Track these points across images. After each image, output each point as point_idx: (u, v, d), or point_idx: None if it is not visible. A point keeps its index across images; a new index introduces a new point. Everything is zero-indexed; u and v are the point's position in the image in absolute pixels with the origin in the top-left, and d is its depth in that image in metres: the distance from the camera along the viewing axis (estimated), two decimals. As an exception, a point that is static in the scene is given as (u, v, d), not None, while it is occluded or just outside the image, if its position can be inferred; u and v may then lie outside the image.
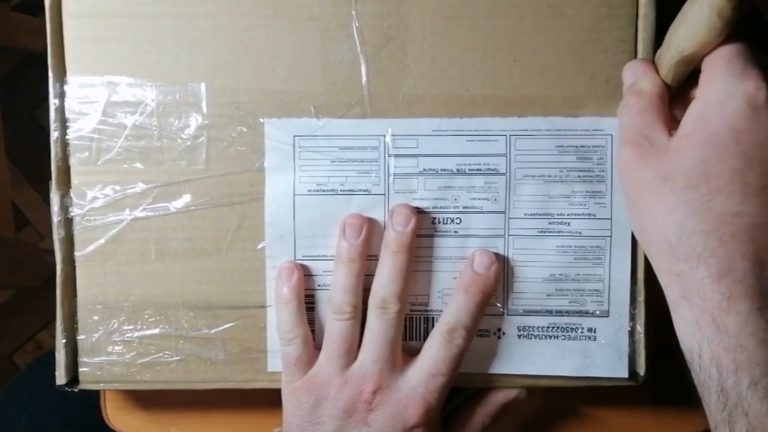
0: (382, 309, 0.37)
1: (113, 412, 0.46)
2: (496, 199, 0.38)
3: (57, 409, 0.56)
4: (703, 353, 0.30)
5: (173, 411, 0.46)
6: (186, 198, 0.39)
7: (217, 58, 0.38)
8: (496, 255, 0.38)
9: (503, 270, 0.39)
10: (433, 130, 0.38)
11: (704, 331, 0.30)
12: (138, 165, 0.39)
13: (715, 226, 0.30)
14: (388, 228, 0.38)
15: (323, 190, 0.39)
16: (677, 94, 0.35)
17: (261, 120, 0.39)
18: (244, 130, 0.39)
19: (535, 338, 0.39)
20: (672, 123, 0.33)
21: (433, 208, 0.39)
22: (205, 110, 0.38)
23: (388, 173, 0.39)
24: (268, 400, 0.42)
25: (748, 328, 0.29)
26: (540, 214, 0.39)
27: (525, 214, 0.39)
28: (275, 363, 0.40)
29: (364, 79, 0.38)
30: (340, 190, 0.39)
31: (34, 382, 0.59)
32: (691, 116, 0.32)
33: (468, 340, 0.37)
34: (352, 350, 0.38)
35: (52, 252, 0.39)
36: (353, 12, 0.38)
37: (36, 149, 1.16)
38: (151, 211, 0.39)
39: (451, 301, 0.38)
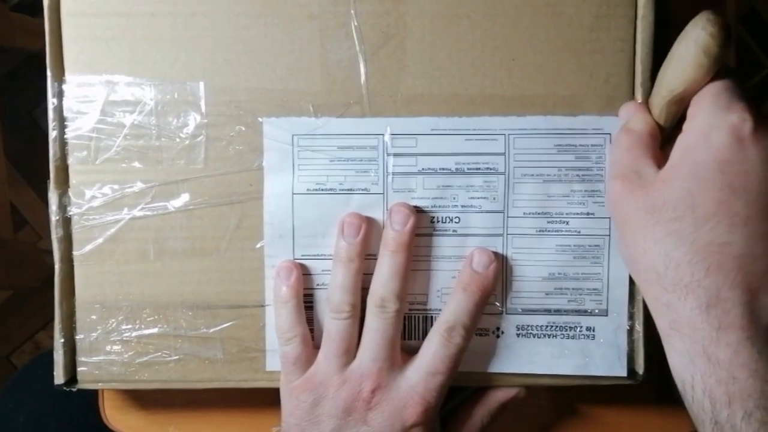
0: (380, 308, 0.37)
1: (111, 411, 0.46)
2: (495, 198, 0.38)
3: (55, 409, 0.56)
4: (695, 385, 0.30)
5: (172, 410, 0.46)
6: (185, 197, 0.39)
7: (215, 57, 0.38)
8: (495, 254, 0.38)
9: (502, 269, 0.39)
10: (432, 129, 0.38)
11: (696, 362, 0.30)
12: (136, 164, 0.39)
13: (702, 256, 0.30)
14: (387, 227, 0.38)
15: (322, 190, 0.39)
16: (670, 135, 0.35)
17: (260, 119, 0.38)
18: (243, 129, 0.39)
19: (534, 337, 0.39)
20: (662, 160, 0.34)
21: (432, 207, 0.39)
22: (203, 109, 0.38)
23: (387, 172, 0.39)
24: (267, 399, 0.42)
25: (739, 358, 0.29)
26: (539, 213, 0.39)
27: (524, 213, 0.39)
28: (274, 362, 0.40)
29: (363, 78, 0.38)
30: (339, 190, 0.39)
31: (32, 382, 0.59)
32: (677, 148, 0.33)
33: (467, 339, 0.37)
34: (351, 349, 0.38)
35: (50, 252, 0.39)
36: (352, 11, 0.38)
37: (34, 149, 1.15)
38: (149, 210, 0.39)
39: (450, 299, 0.38)
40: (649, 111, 0.36)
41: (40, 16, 0.38)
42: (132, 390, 0.45)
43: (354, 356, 0.38)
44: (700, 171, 0.31)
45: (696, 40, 0.31)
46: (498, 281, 0.39)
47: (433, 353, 0.37)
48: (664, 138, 0.35)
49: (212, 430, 0.46)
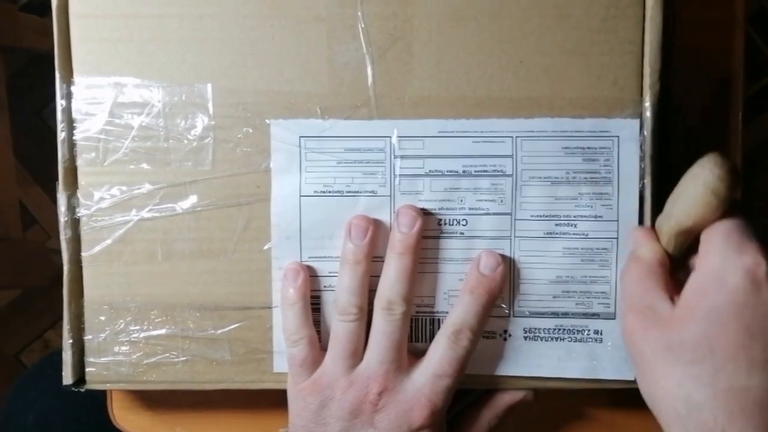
0: (387, 310, 0.37)
1: (119, 412, 0.46)
2: (502, 201, 0.38)
3: (64, 408, 0.56)
4: None
5: (179, 411, 0.46)
6: (192, 199, 0.39)
7: (223, 59, 0.38)
8: (503, 257, 0.38)
9: (509, 272, 0.39)
10: (439, 132, 0.38)
11: None
12: (145, 166, 0.39)
13: (723, 401, 0.30)
14: (394, 229, 0.38)
15: (329, 192, 0.39)
16: (679, 261, 0.36)
17: (267, 121, 0.39)
18: (251, 131, 0.39)
19: (542, 340, 0.39)
20: (674, 289, 0.34)
21: (439, 209, 0.39)
22: (211, 111, 0.39)
23: (394, 174, 0.38)
24: (274, 400, 0.42)
25: None
26: (546, 216, 0.38)
27: (531, 216, 0.38)
28: (281, 364, 0.40)
29: (370, 80, 0.38)
30: (346, 192, 0.39)
31: (42, 382, 0.59)
32: (691, 288, 0.33)
33: (474, 342, 0.37)
34: (358, 351, 0.38)
35: (59, 251, 0.40)
36: (359, 13, 0.38)
37: (43, 149, 1.16)
38: (157, 211, 0.39)
39: (457, 302, 0.38)
40: (657, 237, 0.36)
41: (49, 16, 0.39)
42: (140, 390, 0.45)
43: (361, 358, 0.38)
44: (717, 314, 0.31)
45: (705, 182, 0.32)
46: (505, 284, 0.39)
47: (440, 356, 0.37)
48: (673, 265, 0.35)
49: (219, 430, 0.46)
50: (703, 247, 0.33)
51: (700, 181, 0.32)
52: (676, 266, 0.35)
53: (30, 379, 0.61)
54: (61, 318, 0.40)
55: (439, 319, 0.39)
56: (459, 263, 0.39)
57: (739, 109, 0.44)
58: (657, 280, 0.34)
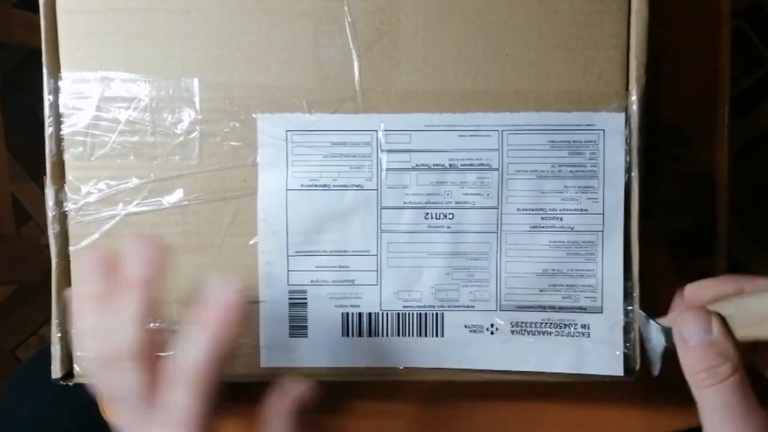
0: None
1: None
2: (488, 195, 0.38)
3: (59, 402, 0.56)
4: None
5: (168, 405, 0.46)
6: (179, 193, 0.39)
7: (210, 54, 0.38)
8: (490, 251, 0.38)
9: (497, 265, 0.39)
10: (426, 126, 0.38)
11: None
12: (132, 160, 0.39)
13: None
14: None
15: (316, 186, 0.39)
16: None
17: (254, 115, 0.39)
18: (237, 125, 0.39)
19: (529, 334, 0.39)
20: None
21: (426, 203, 0.39)
22: (198, 105, 0.39)
23: (381, 168, 0.39)
24: (263, 395, 0.42)
25: None
26: (532, 210, 0.39)
27: (517, 210, 0.39)
28: (269, 358, 0.40)
29: (356, 74, 0.38)
30: (333, 186, 0.39)
31: (37, 376, 0.59)
32: None
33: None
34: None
35: (51, 247, 0.40)
36: (345, 7, 0.38)
37: (37, 144, 1.15)
38: (144, 206, 0.39)
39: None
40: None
41: (41, 13, 0.39)
42: (129, 385, 0.45)
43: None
44: None
45: None
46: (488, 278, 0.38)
47: None
48: None
49: (208, 424, 0.46)
50: None
51: None
52: None
53: (24, 374, 0.61)
54: (55, 314, 0.40)
55: (425, 314, 0.39)
56: (446, 257, 0.39)
57: (726, 104, 0.44)
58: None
